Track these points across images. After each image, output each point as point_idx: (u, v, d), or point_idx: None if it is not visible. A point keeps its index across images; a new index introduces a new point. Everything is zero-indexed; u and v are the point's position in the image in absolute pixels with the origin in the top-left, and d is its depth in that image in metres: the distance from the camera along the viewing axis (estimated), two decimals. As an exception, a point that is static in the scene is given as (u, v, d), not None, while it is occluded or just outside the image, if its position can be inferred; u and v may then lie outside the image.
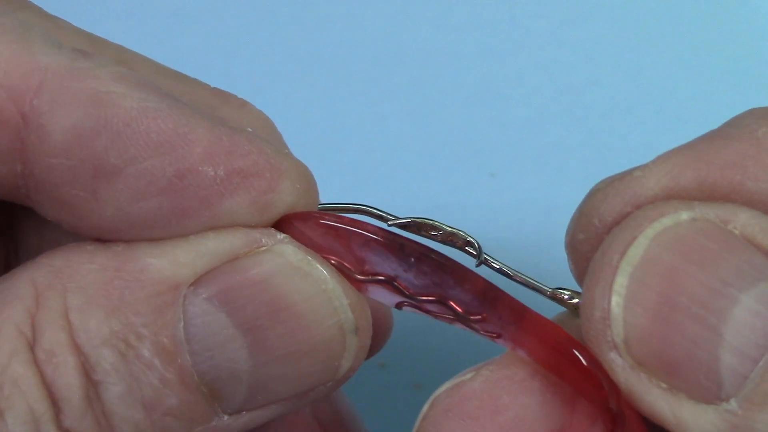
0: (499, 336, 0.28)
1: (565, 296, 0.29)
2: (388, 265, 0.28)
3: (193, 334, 0.26)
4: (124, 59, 0.32)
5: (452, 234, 0.29)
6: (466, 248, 0.29)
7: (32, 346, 0.25)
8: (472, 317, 0.28)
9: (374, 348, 0.35)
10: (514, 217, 0.49)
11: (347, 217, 0.28)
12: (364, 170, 0.53)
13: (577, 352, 0.27)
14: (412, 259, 0.27)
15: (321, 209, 0.30)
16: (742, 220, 0.26)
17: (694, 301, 0.25)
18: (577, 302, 0.29)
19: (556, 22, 0.57)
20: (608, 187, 0.28)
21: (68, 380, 0.25)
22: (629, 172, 0.28)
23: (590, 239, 0.28)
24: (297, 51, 0.57)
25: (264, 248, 0.27)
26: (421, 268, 0.27)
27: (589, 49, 0.56)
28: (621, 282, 0.25)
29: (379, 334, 0.35)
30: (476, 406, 0.28)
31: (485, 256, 0.30)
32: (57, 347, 0.25)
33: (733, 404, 0.24)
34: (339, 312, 0.27)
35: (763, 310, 0.24)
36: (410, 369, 0.49)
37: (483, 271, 0.29)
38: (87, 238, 0.27)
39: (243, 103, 0.34)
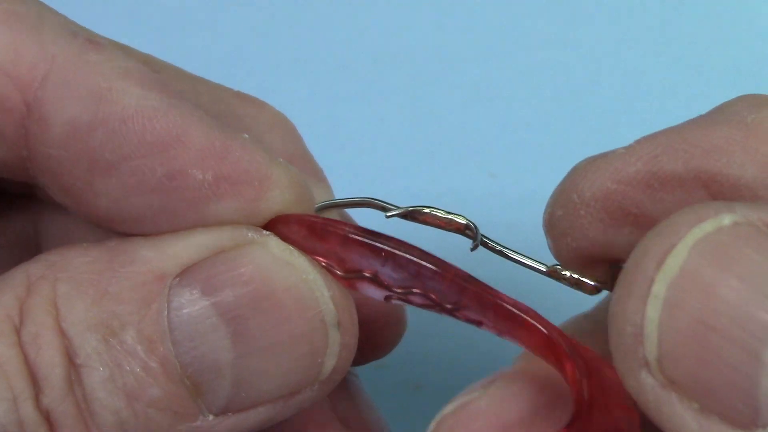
0: (480, 323, 0.28)
1: (563, 273, 0.29)
2: (366, 262, 0.28)
3: (176, 324, 0.26)
4: (151, 62, 0.33)
5: (450, 220, 0.30)
6: (466, 231, 0.30)
7: (18, 330, 0.26)
8: (451, 306, 0.28)
9: (385, 344, 0.35)
10: (514, 217, 0.49)
11: (325, 217, 0.29)
12: (364, 170, 0.53)
13: (556, 341, 0.27)
14: (386, 255, 0.28)
15: (321, 207, 0.31)
16: None
17: (734, 322, 0.23)
18: (572, 276, 0.29)
19: (556, 22, 0.57)
20: (589, 164, 0.27)
21: (50, 361, 0.25)
22: (612, 151, 0.27)
23: (568, 215, 0.27)
24: (297, 51, 0.57)
25: (249, 241, 0.27)
26: (397, 262, 0.28)
27: (589, 49, 0.56)
28: (657, 295, 0.24)
29: (389, 332, 0.35)
30: (483, 426, 0.28)
31: (483, 238, 0.30)
32: (42, 330, 0.26)
33: None
34: (320, 303, 0.27)
35: None
36: (410, 369, 0.49)
37: (481, 252, 0.29)
38: (94, 223, 0.28)
39: (263, 104, 0.35)
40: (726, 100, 0.28)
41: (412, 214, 0.30)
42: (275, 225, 0.28)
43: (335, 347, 0.27)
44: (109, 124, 0.26)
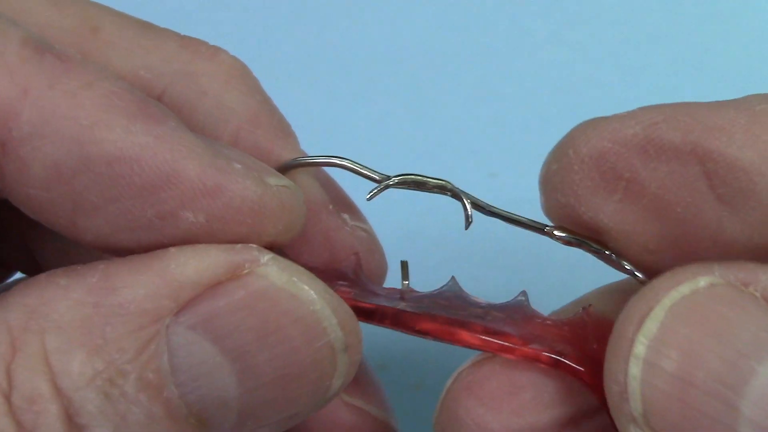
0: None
1: (561, 235, 0.29)
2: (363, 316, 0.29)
3: (178, 365, 0.25)
4: (89, 16, 0.31)
5: (440, 187, 0.30)
6: (454, 197, 0.30)
7: (8, 396, 0.24)
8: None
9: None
10: (514, 217, 0.49)
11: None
12: (364, 170, 0.53)
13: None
14: (381, 316, 0.28)
15: (289, 166, 0.30)
16: (764, 281, 0.25)
17: (710, 375, 0.24)
18: (566, 237, 0.29)
19: (556, 22, 0.57)
20: (589, 123, 0.27)
21: (51, 428, 0.24)
22: (614, 114, 0.27)
23: (562, 169, 0.27)
24: (296, 50, 0.57)
25: (246, 271, 0.26)
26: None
27: (589, 49, 0.56)
28: (637, 355, 0.25)
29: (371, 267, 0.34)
30: (494, 386, 0.28)
31: (475, 202, 0.30)
32: (37, 395, 0.24)
33: None
34: (329, 332, 0.26)
35: None
36: (410, 370, 0.49)
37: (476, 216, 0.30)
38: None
39: (214, 53, 0.33)
40: (726, 99, 0.28)
41: (400, 183, 0.30)
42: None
43: (343, 369, 0.27)
44: (94, 167, 0.24)
